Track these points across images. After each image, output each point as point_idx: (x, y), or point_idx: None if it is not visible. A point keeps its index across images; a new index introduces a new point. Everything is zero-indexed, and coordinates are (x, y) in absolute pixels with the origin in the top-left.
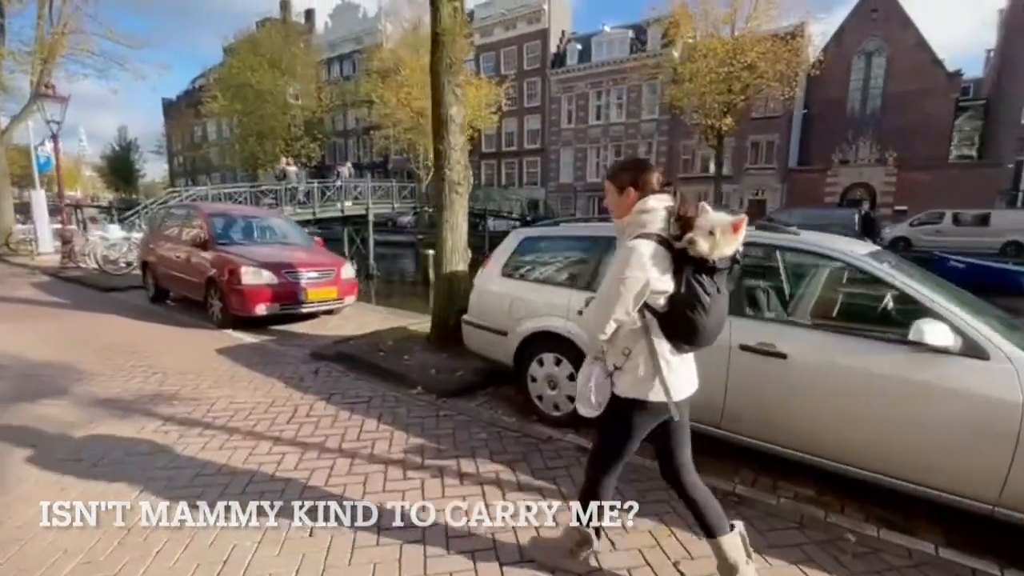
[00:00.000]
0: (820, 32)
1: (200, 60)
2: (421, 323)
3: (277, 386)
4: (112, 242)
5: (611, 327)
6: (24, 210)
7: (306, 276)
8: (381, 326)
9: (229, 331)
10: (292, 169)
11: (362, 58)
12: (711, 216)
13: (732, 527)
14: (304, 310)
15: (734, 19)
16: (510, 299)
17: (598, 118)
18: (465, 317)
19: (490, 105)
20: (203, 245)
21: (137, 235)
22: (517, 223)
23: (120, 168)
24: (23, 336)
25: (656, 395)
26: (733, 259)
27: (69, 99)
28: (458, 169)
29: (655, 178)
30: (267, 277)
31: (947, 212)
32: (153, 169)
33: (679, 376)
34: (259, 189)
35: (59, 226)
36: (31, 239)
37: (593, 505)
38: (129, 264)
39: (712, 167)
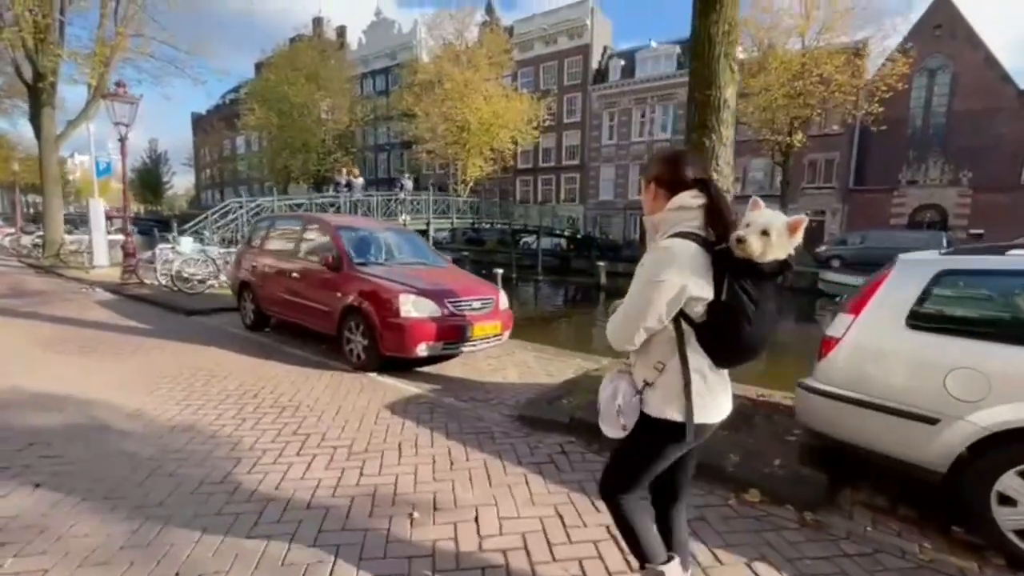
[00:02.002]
0: (886, 47)
1: (230, 76)
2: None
3: (533, 480)
4: (186, 257)
5: (640, 337)
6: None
7: (469, 306)
8: (554, 371)
9: (373, 375)
10: (359, 181)
11: (401, 72)
12: (766, 213)
13: (670, 559)
14: (466, 349)
15: (806, 31)
16: (948, 367)
17: (641, 134)
18: (813, 382)
19: (531, 120)
20: (334, 266)
21: (215, 249)
22: (561, 242)
23: (149, 180)
24: (123, 376)
25: (692, 416)
26: (785, 264)
27: (141, 100)
28: (727, 172)
29: (689, 171)
30: (430, 308)
31: None
32: (179, 182)
33: (715, 397)
34: (324, 200)
35: (119, 238)
36: (82, 251)
37: (634, 537)
38: (203, 282)
39: (766, 185)
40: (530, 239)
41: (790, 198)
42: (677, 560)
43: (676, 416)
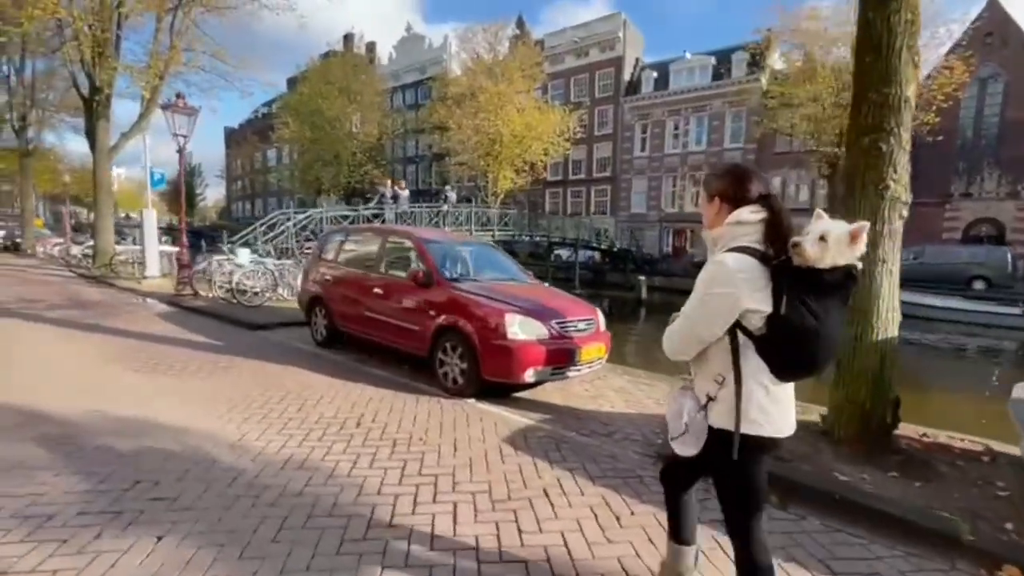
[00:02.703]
0: (939, 55)
1: (262, 92)
2: None
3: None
4: (246, 269)
5: (694, 349)
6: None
7: (575, 327)
8: (658, 396)
9: (471, 401)
10: (404, 193)
11: (433, 84)
12: (825, 221)
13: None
14: (571, 374)
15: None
16: None
17: (675, 147)
18: None
19: (563, 133)
20: (424, 282)
21: (270, 261)
22: (595, 255)
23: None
24: (207, 398)
25: (757, 428)
26: (848, 274)
27: (199, 112)
28: (905, 179)
29: (753, 187)
30: (538, 330)
31: None
32: (210, 193)
33: (781, 409)
34: (371, 211)
35: (173, 248)
36: (132, 261)
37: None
38: (260, 294)
39: (806, 200)
40: (564, 252)
41: (831, 213)
42: (695, 548)
43: (745, 429)
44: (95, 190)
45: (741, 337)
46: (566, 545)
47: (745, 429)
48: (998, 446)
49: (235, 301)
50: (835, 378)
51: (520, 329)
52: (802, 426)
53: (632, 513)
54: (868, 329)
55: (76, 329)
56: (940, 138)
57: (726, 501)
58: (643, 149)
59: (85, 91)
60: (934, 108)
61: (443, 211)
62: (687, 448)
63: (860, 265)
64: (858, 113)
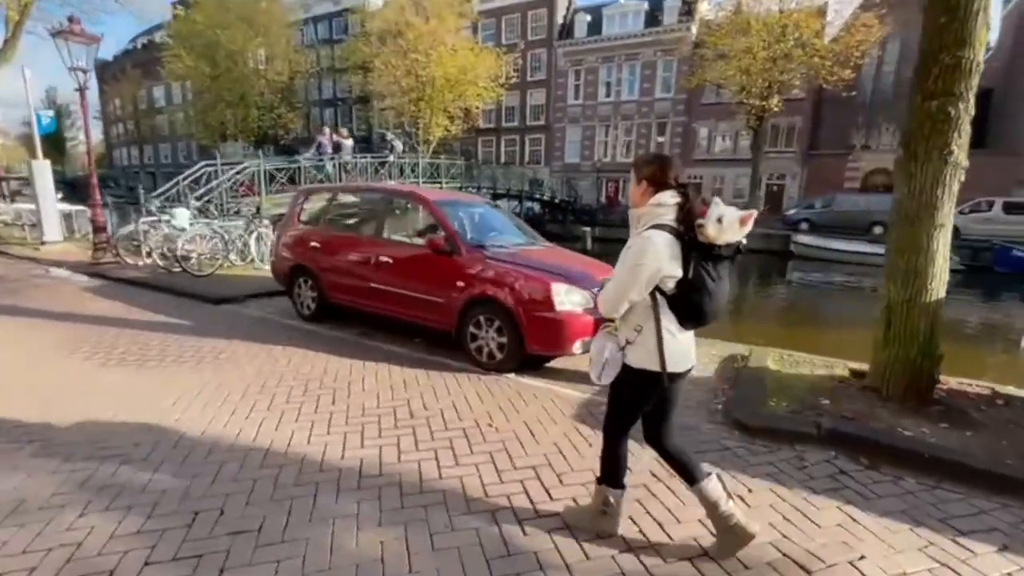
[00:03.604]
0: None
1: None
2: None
3: (870, 521)
4: (191, 232)
5: (624, 307)
6: None
7: None
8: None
9: (512, 376)
10: (348, 143)
11: (352, 19)
12: (721, 206)
13: (709, 475)
14: None
15: None
16: None
17: (608, 95)
18: None
19: (497, 77)
20: (446, 249)
21: (219, 223)
22: (534, 206)
23: (48, 137)
24: (213, 395)
25: (663, 365)
26: (736, 249)
27: (101, 40)
28: (966, 144)
29: (672, 175)
30: (583, 298)
31: (997, 200)
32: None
33: (682, 350)
34: (312, 163)
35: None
36: (21, 223)
37: (611, 465)
38: (207, 261)
39: (730, 149)
40: (507, 204)
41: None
42: (714, 474)
43: (650, 367)
44: None
45: (658, 296)
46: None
47: (650, 366)
48: (1000, 388)
49: (176, 270)
50: (884, 337)
51: (567, 299)
52: (840, 381)
53: (750, 491)
54: (922, 290)
55: None
56: (854, 93)
57: (612, 413)
58: (577, 97)
59: None
60: (851, 64)
61: (389, 161)
62: (605, 378)
63: (745, 242)
64: (926, 76)
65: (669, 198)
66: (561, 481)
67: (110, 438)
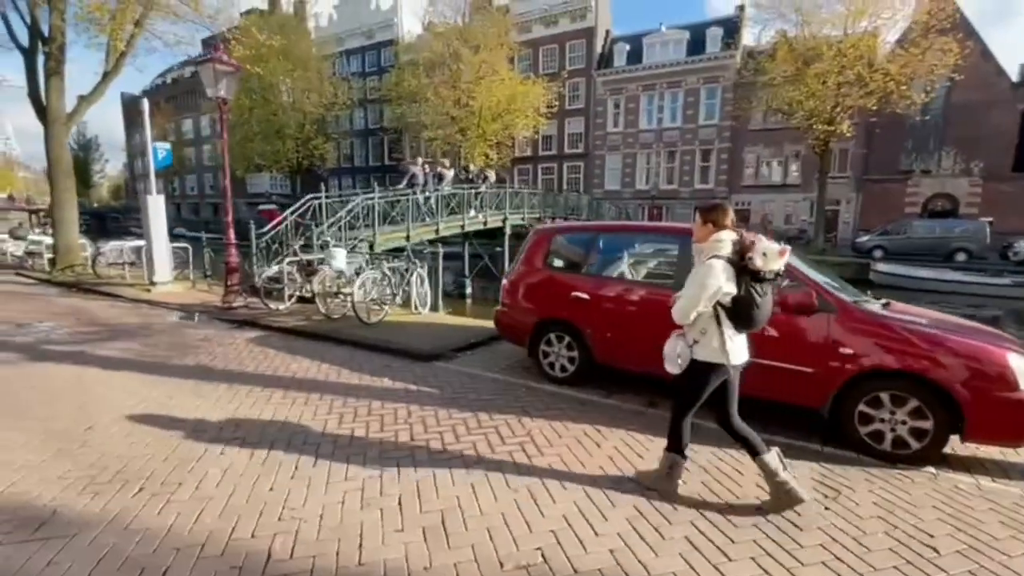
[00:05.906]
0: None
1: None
2: None
3: None
4: (367, 277)
5: (694, 315)
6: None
7: None
8: None
9: (948, 474)
10: (450, 173)
11: (397, 50)
12: (765, 243)
13: (769, 449)
14: None
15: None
16: None
17: (649, 123)
18: None
19: (538, 108)
20: (808, 308)
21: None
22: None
23: (78, 169)
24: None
25: (723, 359)
26: (777, 273)
27: (241, 71)
28: None
29: (730, 219)
30: None
31: None
32: (108, 170)
33: (738, 348)
34: (423, 196)
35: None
36: (122, 262)
37: (676, 437)
38: (381, 307)
39: (778, 177)
40: None
41: (803, 188)
42: (774, 450)
43: (716, 360)
44: (50, 170)
45: (719, 308)
46: None
47: (714, 359)
48: None
49: (336, 317)
50: None
51: None
52: None
53: None
54: None
55: (176, 376)
56: (927, 117)
57: (681, 395)
58: (616, 125)
59: (24, 40)
60: (926, 88)
61: (482, 192)
62: (676, 369)
63: (783, 269)
64: None
65: (726, 236)
66: None
67: None
